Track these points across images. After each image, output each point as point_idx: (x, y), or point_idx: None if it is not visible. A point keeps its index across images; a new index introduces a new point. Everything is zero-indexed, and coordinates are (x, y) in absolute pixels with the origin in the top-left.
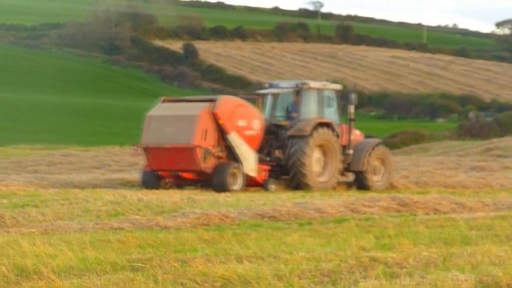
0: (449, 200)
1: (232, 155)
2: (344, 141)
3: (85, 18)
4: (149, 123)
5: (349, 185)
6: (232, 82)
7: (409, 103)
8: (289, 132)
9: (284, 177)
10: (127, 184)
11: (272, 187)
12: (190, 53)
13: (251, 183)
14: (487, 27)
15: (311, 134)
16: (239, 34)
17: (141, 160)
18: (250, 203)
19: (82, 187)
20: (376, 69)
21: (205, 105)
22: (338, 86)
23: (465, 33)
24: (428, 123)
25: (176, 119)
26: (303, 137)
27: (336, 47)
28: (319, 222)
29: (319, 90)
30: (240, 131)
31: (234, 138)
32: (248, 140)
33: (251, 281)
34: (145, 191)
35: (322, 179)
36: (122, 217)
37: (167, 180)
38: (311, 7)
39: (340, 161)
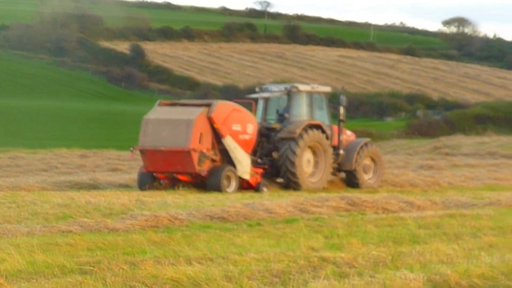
0: (397, 199)
1: (226, 158)
2: (335, 142)
3: (31, 20)
4: (146, 125)
5: (343, 182)
6: (179, 82)
7: (358, 102)
8: (280, 135)
9: (277, 179)
10: (75, 186)
11: (265, 189)
12: (137, 54)
13: (244, 186)
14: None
15: (300, 136)
16: (187, 34)
17: (88, 162)
18: (199, 204)
19: (30, 189)
20: (324, 69)
21: (201, 109)
22: (327, 89)
23: (413, 31)
24: (376, 122)
25: (173, 122)
26: (293, 139)
27: (284, 47)
28: (268, 222)
29: (309, 93)
30: (234, 135)
31: (229, 142)
32: (243, 144)
33: (201, 282)
34: (92, 192)
35: (313, 179)
36: (70, 220)
37: (161, 182)
38: (258, 7)
39: (331, 161)
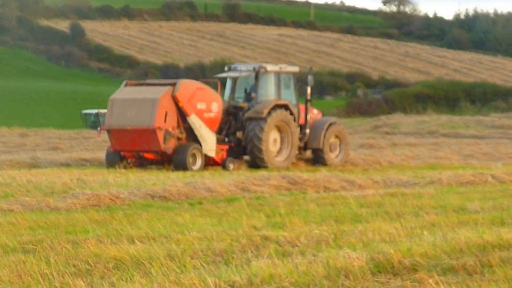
0: (338, 177)
1: (192, 137)
2: (301, 121)
3: None
4: (112, 106)
5: (307, 162)
6: (119, 61)
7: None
8: (247, 114)
9: (244, 157)
10: (16, 165)
11: (231, 166)
12: (77, 32)
13: (210, 163)
14: (374, 5)
15: (268, 116)
16: (126, 13)
17: (28, 141)
18: (140, 183)
19: None
20: (264, 48)
21: (166, 88)
22: (295, 69)
23: (352, 10)
24: (316, 101)
25: (138, 102)
26: (260, 119)
27: (223, 25)
28: (210, 201)
29: (277, 73)
30: (199, 113)
31: (194, 120)
32: (207, 122)
33: (144, 261)
34: (33, 171)
35: (279, 158)
36: (11, 199)
37: (129, 161)
38: None
39: (297, 140)
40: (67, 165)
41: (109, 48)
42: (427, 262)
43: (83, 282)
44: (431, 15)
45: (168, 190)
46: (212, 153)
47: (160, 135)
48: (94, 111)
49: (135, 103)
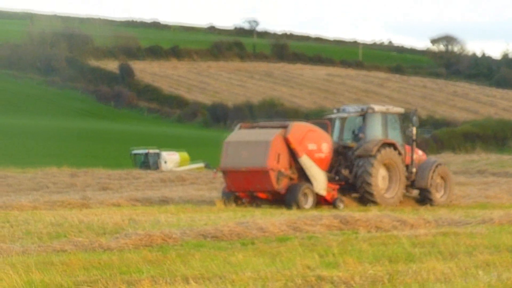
0: (390, 217)
1: (303, 176)
2: (407, 160)
3: (20, 39)
4: (227, 148)
5: (415, 201)
6: (168, 101)
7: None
8: (357, 152)
9: (353, 195)
10: (68, 206)
11: (341, 205)
12: (126, 73)
13: (322, 202)
14: (422, 44)
15: (376, 154)
16: (175, 53)
17: (79, 181)
18: (191, 223)
19: (22, 209)
20: (312, 87)
21: (278, 131)
22: (400, 110)
23: (401, 50)
24: None
25: (252, 144)
26: (369, 157)
27: (272, 65)
28: (262, 241)
29: (383, 113)
30: (310, 154)
31: (305, 161)
32: (318, 162)
33: None
34: (84, 211)
35: (388, 195)
36: (64, 239)
37: (243, 200)
38: (246, 26)
39: (404, 178)
40: (117, 205)
41: (158, 88)
42: None
43: None
44: (479, 54)
45: (220, 230)
46: (323, 192)
47: (273, 176)
48: (144, 151)
49: (249, 145)
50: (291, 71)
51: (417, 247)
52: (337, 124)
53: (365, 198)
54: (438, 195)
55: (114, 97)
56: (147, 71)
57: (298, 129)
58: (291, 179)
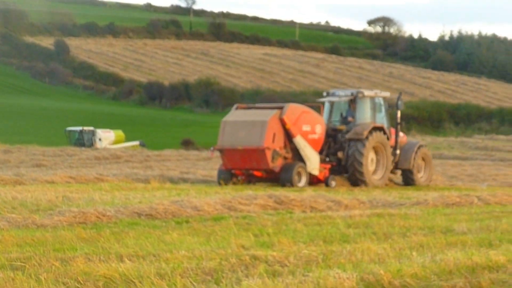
0: (325, 197)
1: (297, 156)
2: (392, 142)
3: None
4: (225, 127)
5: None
6: (104, 79)
7: (282, 100)
8: (348, 136)
9: (344, 175)
10: (1, 182)
11: (333, 183)
12: (61, 49)
13: (314, 181)
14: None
15: (367, 137)
16: (111, 30)
17: (12, 158)
18: (126, 201)
19: None
20: (248, 66)
21: (274, 111)
22: (387, 94)
23: (337, 30)
24: None
25: (249, 124)
26: (360, 140)
27: (208, 44)
28: (196, 220)
29: (372, 98)
30: (304, 135)
31: (299, 141)
32: (312, 142)
33: (134, 280)
34: (18, 188)
35: (376, 177)
36: None
37: (239, 178)
38: (183, 4)
39: (390, 161)
40: (52, 182)
41: (94, 65)
42: (417, 283)
43: None
44: (416, 36)
45: (155, 208)
46: (316, 172)
47: (269, 155)
48: (78, 128)
49: (246, 125)
50: (228, 50)
51: (352, 228)
52: (327, 107)
53: (355, 179)
54: (419, 176)
55: (49, 74)
56: (82, 48)
57: (293, 110)
58: (285, 158)
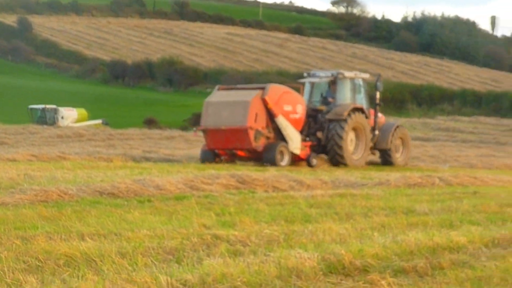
0: (287, 177)
1: (279, 136)
2: (371, 123)
3: None
4: (208, 108)
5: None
6: (67, 57)
7: (245, 80)
8: (328, 116)
9: (322, 155)
10: None
11: (314, 161)
12: (24, 27)
13: (296, 159)
14: (322, 5)
15: (347, 118)
16: (74, 8)
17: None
18: (88, 180)
19: None
20: (212, 46)
21: (256, 92)
22: (366, 75)
23: (301, 10)
24: None
25: (231, 104)
26: (340, 120)
27: (172, 23)
28: (159, 199)
29: (352, 79)
30: (286, 114)
31: (281, 121)
32: (293, 122)
33: (95, 258)
34: None
35: (355, 157)
36: None
37: (222, 157)
38: None
39: (369, 141)
40: (13, 160)
41: (57, 43)
42: (378, 263)
43: (34, 278)
44: (379, 17)
45: (117, 187)
46: (297, 151)
47: (252, 134)
48: (41, 106)
49: (229, 105)
50: (191, 29)
51: (314, 208)
52: (307, 88)
53: (335, 160)
54: (397, 155)
55: (12, 52)
56: (45, 25)
57: (275, 90)
58: (268, 138)
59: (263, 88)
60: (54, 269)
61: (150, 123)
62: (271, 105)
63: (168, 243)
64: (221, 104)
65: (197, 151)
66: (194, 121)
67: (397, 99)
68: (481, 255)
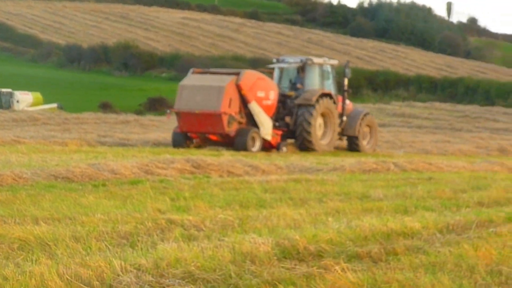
0: (242, 162)
1: (251, 121)
2: (339, 109)
3: None
4: (182, 91)
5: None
6: (22, 41)
7: (201, 65)
8: (297, 101)
9: (290, 140)
10: None
11: (284, 148)
12: None
13: (266, 146)
14: None
15: (316, 103)
16: None
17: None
18: (43, 164)
19: None
20: (168, 30)
21: (231, 77)
22: (335, 61)
23: None
24: None
25: (206, 88)
26: (309, 106)
27: (128, 7)
28: (113, 183)
29: (320, 65)
30: (259, 100)
31: (254, 107)
32: (265, 108)
33: (49, 243)
34: None
35: (323, 142)
36: None
37: (194, 141)
38: None
39: (337, 127)
40: None
41: (12, 27)
42: (332, 248)
43: None
44: (335, 2)
45: (72, 171)
46: (268, 137)
47: (225, 119)
48: None
49: (203, 90)
50: (147, 14)
51: (268, 193)
52: (276, 73)
53: (304, 145)
54: (364, 143)
55: None
56: (1, 9)
57: (249, 76)
58: (240, 123)
59: (237, 74)
60: (7, 253)
61: (105, 107)
62: (245, 91)
63: (122, 227)
64: (196, 88)
65: (152, 136)
66: (150, 105)
67: (352, 84)
68: (435, 241)
